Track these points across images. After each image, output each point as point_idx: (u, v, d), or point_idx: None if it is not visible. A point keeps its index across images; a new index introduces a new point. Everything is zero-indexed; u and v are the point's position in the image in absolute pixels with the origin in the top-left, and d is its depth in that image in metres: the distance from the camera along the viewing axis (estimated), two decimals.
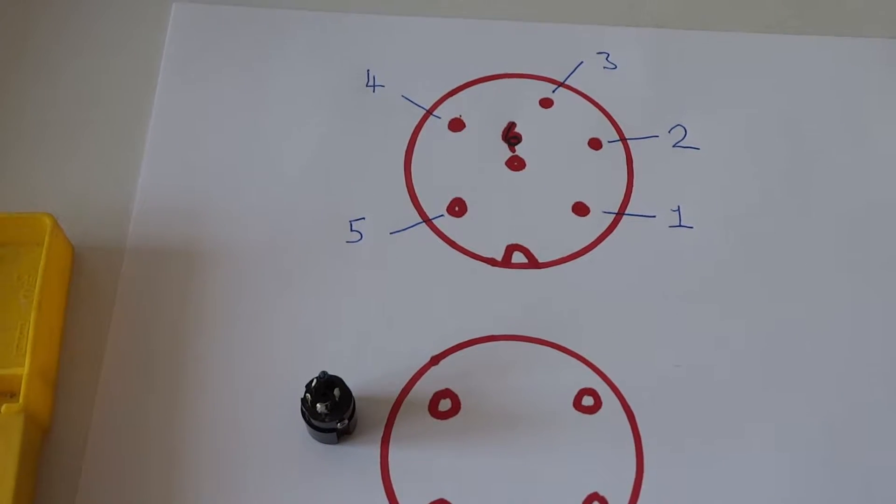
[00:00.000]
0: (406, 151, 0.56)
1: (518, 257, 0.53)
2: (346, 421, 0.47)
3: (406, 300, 0.52)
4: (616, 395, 0.50)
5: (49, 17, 0.59)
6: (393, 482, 0.48)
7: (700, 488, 0.48)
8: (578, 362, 0.51)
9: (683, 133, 0.57)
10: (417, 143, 0.56)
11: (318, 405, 0.46)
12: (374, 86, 0.58)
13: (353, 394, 0.47)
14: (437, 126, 0.57)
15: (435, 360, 0.50)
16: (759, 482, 0.48)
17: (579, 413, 0.50)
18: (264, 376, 0.50)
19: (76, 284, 0.52)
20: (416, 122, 0.57)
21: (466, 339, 0.51)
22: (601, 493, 0.48)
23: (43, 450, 0.48)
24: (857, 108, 0.59)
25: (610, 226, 0.55)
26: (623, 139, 0.57)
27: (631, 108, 0.58)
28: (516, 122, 0.57)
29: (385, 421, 0.49)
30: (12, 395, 0.48)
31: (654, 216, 0.55)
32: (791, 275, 0.54)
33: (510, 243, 0.54)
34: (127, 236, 0.53)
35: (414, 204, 0.55)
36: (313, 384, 0.46)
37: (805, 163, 0.57)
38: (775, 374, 0.51)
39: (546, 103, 0.58)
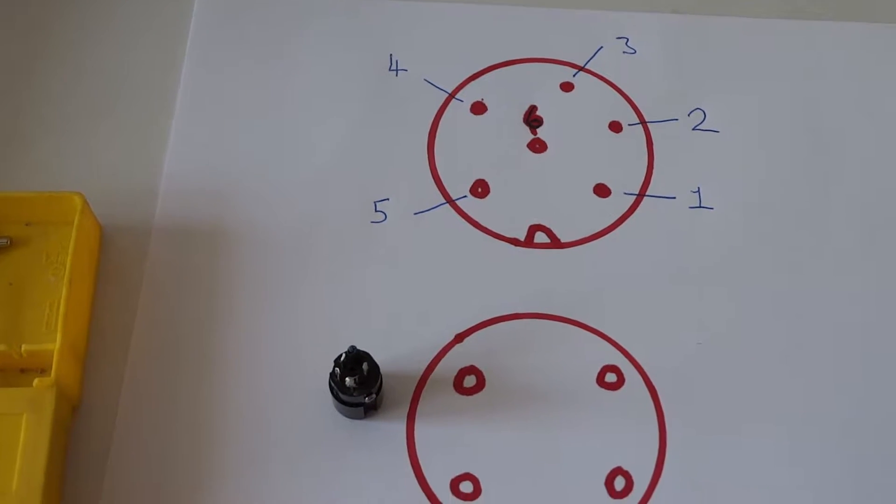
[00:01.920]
0: (429, 134, 0.57)
1: (540, 237, 0.54)
2: (374, 395, 0.47)
3: (430, 279, 0.53)
4: (639, 371, 0.51)
5: (77, 2, 0.60)
6: (419, 456, 0.48)
7: (722, 462, 0.49)
8: (601, 339, 0.51)
9: (703, 116, 0.58)
10: (440, 125, 0.57)
11: (346, 379, 0.46)
12: (397, 70, 0.59)
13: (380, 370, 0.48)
14: (459, 109, 0.58)
15: (459, 337, 0.51)
16: (780, 458, 0.49)
17: (602, 389, 0.50)
18: (291, 354, 0.50)
19: (104, 263, 0.52)
20: (439, 106, 0.58)
21: (490, 318, 0.52)
22: (625, 468, 0.48)
23: (73, 424, 0.48)
24: (874, 92, 0.59)
25: (631, 207, 0.55)
26: (643, 122, 0.58)
27: (650, 92, 0.59)
28: (537, 105, 0.58)
29: (411, 397, 0.49)
30: (43, 371, 0.48)
31: (675, 197, 0.55)
32: (811, 254, 0.54)
33: (532, 224, 0.54)
34: (154, 216, 0.53)
35: (437, 185, 0.55)
36: (342, 359, 0.47)
37: (823, 145, 0.58)
38: (795, 351, 0.51)
39: (567, 87, 0.59)
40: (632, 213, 0.55)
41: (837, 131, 0.58)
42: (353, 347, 0.46)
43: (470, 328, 0.51)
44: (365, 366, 0.47)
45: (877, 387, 0.51)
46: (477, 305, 0.52)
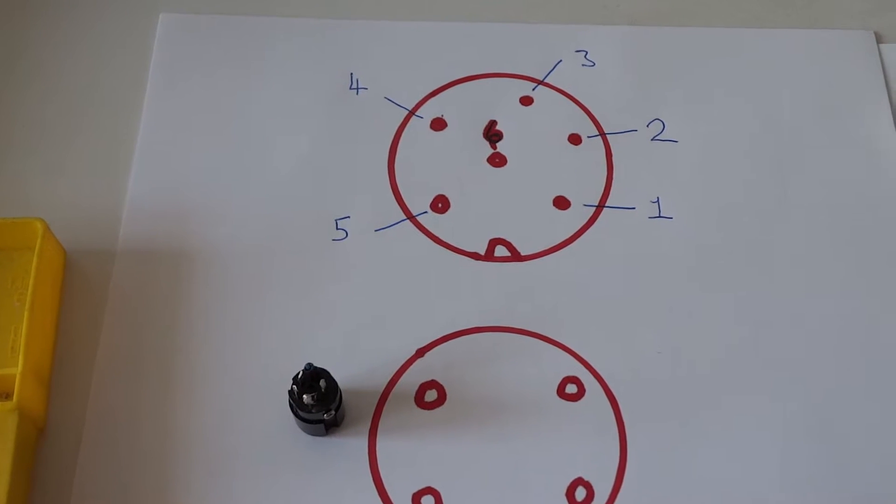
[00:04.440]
0: (390, 151, 0.57)
1: (501, 251, 0.55)
2: (333, 412, 0.48)
3: (392, 295, 0.53)
4: (599, 382, 0.51)
5: (40, 27, 0.61)
6: (381, 471, 0.49)
7: (682, 472, 0.49)
8: (561, 351, 0.52)
9: (661, 127, 0.58)
10: (401, 142, 0.58)
11: (304, 396, 0.47)
12: (357, 88, 0.59)
13: (341, 387, 0.48)
14: (419, 126, 0.58)
15: (420, 352, 0.51)
16: (740, 466, 0.49)
17: (563, 401, 0.50)
18: (254, 372, 0.51)
19: (69, 287, 0.53)
20: (399, 123, 0.58)
21: (451, 332, 0.52)
22: (585, 478, 0.49)
23: (38, 447, 0.49)
24: (831, 98, 0.60)
25: (591, 218, 0.56)
26: (602, 134, 0.58)
27: (609, 104, 0.59)
28: (497, 120, 0.59)
29: (372, 412, 0.50)
30: (7, 396, 0.48)
31: (634, 208, 0.56)
32: (770, 261, 0.55)
33: (493, 237, 0.55)
34: (118, 240, 0.54)
35: (398, 202, 0.56)
36: (299, 376, 0.47)
37: (781, 152, 0.58)
38: (755, 359, 0.52)
39: (526, 101, 0.59)
40: (591, 224, 0.55)
41: (796, 138, 0.58)
42: (309, 364, 0.47)
43: (431, 343, 0.52)
44: (323, 383, 0.47)
45: (841, 388, 0.51)
46: (438, 320, 0.52)
